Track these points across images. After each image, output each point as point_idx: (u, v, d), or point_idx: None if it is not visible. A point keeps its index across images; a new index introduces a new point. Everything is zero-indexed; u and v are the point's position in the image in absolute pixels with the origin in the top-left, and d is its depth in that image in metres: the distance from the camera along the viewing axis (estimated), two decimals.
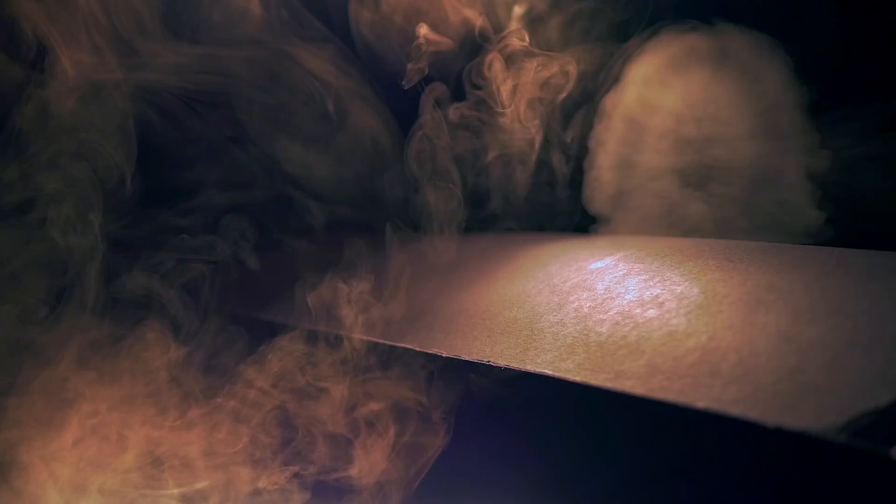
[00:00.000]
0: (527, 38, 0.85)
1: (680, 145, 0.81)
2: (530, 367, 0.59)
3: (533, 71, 0.85)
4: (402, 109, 0.89)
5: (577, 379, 0.55)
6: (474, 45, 0.86)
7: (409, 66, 0.85)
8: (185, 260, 0.84)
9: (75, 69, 0.82)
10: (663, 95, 0.82)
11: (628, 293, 0.62)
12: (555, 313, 0.65)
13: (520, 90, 0.85)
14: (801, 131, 0.75)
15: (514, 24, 0.86)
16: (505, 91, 0.85)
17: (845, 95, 0.71)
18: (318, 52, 0.88)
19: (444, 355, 0.66)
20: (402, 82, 0.85)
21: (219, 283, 0.84)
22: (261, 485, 0.74)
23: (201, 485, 0.75)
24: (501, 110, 0.86)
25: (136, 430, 0.76)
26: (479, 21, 0.86)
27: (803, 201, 0.75)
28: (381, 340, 0.73)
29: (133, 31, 0.84)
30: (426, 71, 0.85)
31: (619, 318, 0.59)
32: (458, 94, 0.87)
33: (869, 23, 0.75)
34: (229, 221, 0.88)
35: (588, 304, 0.63)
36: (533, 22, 0.87)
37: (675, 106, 0.81)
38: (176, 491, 0.74)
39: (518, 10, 0.86)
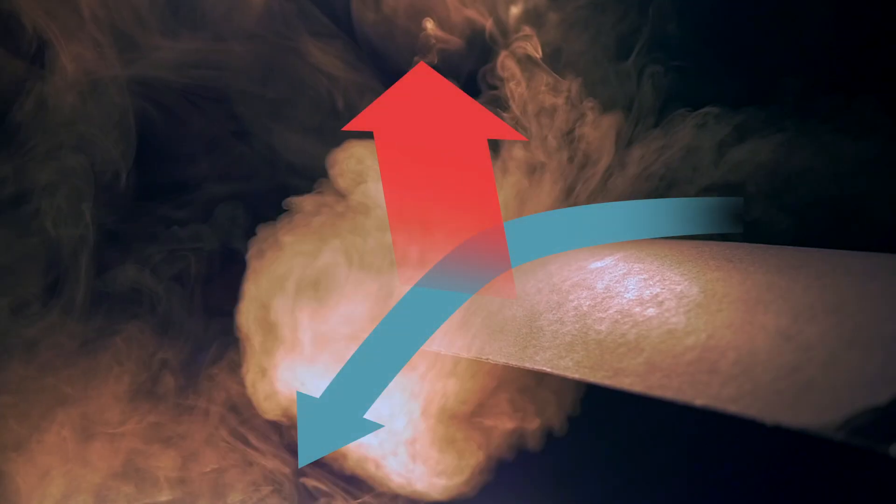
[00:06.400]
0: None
1: None
2: (529, 365, 0.59)
3: None
4: None
5: (576, 376, 0.55)
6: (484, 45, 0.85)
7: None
8: (177, 251, 0.84)
9: (75, 63, 0.82)
10: None
11: (628, 292, 0.62)
12: (554, 311, 0.65)
13: None
14: None
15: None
16: None
17: (843, 94, 0.71)
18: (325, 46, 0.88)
19: (443, 353, 0.66)
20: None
21: (214, 277, 0.84)
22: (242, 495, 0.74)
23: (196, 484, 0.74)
24: None
25: (119, 430, 0.76)
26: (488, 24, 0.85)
27: None
28: None
29: (133, 26, 0.84)
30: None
31: (619, 317, 0.59)
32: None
33: (866, 21, 0.75)
34: (223, 210, 0.88)
35: (587, 303, 0.63)
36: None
37: None
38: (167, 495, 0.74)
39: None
